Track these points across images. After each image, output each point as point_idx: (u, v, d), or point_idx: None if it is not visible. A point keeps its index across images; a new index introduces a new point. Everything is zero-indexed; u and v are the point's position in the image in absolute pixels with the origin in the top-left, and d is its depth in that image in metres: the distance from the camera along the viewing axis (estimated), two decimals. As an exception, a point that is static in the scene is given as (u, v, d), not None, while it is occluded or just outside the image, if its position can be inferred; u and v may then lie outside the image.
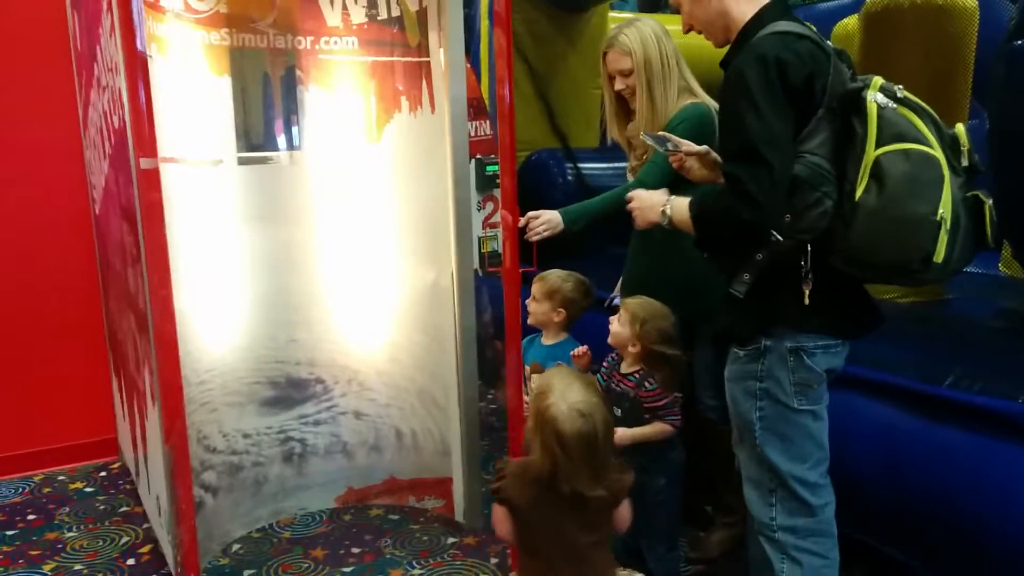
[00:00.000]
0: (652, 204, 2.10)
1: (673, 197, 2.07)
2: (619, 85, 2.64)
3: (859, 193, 1.79)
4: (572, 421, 1.81)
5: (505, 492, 1.91)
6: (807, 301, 1.89)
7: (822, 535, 2.02)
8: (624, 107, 2.72)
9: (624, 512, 1.97)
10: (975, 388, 2.25)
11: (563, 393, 1.86)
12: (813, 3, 6.36)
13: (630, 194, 2.19)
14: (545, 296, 2.79)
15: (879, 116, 1.80)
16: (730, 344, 2.05)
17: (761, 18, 1.94)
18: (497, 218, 3.16)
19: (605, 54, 2.68)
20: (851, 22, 4.25)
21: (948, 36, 2.96)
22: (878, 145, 1.79)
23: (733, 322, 2.02)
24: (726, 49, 2.04)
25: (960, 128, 1.87)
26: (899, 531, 2.41)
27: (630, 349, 2.47)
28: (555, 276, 2.82)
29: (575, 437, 1.81)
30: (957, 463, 2.23)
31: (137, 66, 2.14)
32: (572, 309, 2.78)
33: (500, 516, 1.94)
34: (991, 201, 1.84)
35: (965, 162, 1.85)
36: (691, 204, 1.98)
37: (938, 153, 1.80)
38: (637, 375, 2.45)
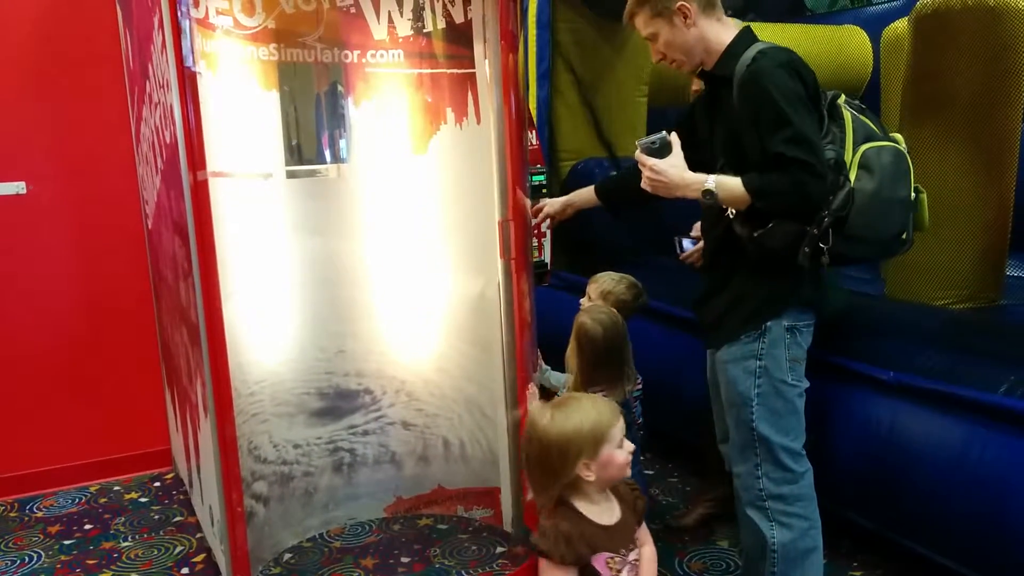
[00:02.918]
0: (686, 182, 2.16)
1: (713, 175, 2.13)
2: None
3: (852, 181, 2.09)
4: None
5: (576, 551, 1.85)
6: (811, 279, 2.21)
7: (805, 499, 2.24)
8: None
9: (644, 535, 2.00)
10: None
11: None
12: (862, 6, 6.27)
13: (651, 163, 2.19)
14: (599, 297, 2.84)
15: (852, 120, 2.16)
16: (736, 330, 2.24)
17: (743, 39, 2.20)
18: (544, 227, 3.20)
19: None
20: (901, 25, 4.18)
21: (1000, 39, 2.89)
22: (856, 144, 2.13)
23: (738, 309, 2.24)
24: None
25: (899, 136, 2.25)
26: (953, 542, 2.37)
27: None
28: (608, 278, 2.89)
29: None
30: (1012, 471, 2.19)
31: (186, 82, 2.18)
32: (624, 310, 2.79)
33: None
34: (926, 192, 2.26)
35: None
36: (748, 180, 2.07)
37: (902, 148, 2.20)
38: None
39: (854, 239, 2.11)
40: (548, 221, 2.98)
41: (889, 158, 2.14)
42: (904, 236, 2.23)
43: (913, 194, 2.21)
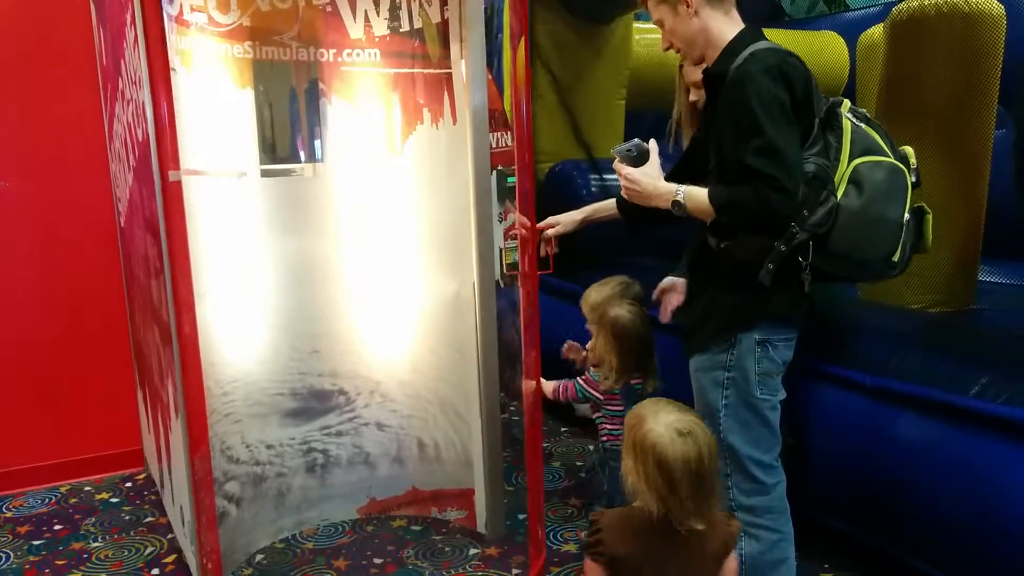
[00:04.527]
0: (659, 192, 2.16)
1: (684, 186, 2.11)
2: (693, 96, 2.64)
3: (839, 196, 2.03)
4: (673, 442, 1.70)
5: (605, 546, 1.75)
6: (803, 290, 2.11)
7: (776, 512, 2.20)
8: (697, 118, 2.70)
9: (733, 565, 1.83)
10: (1001, 398, 2.22)
11: (657, 416, 1.76)
12: (839, 12, 6.32)
13: (626, 171, 2.21)
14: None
15: (852, 131, 2.08)
16: (708, 340, 2.19)
17: (743, 38, 2.11)
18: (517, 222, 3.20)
19: (681, 66, 2.67)
20: (876, 31, 4.22)
21: (975, 45, 2.93)
22: (851, 157, 2.06)
23: (711, 319, 2.18)
24: None
25: (909, 149, 2.18)
26: (925, 542, 2.39)
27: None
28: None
29: (679, 460, 1.68)
30: (981, 473, 2.22)
31: (160, 79, 2.15)
32: None
33: (591, 570, 1.78)
34: (931, 213, 2.16)
35: (913, 178, 2.14)
36: (712, 194, 2.05)
37: (902, 166, 2.11)
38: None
39: (835, 257, 2.06)
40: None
41: (883, 175, 2.06)
42: (895, 259, 2.12)
43: (907, 215, 2.10)
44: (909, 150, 2.17)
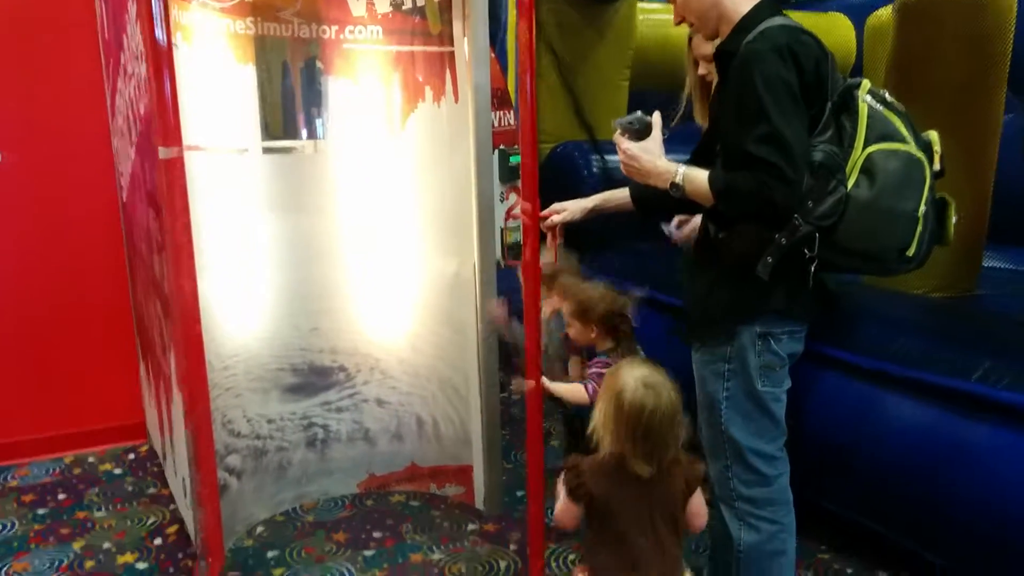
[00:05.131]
0: (658, 170, 2.06)
1: (684, 167, 2.03)
2: (703, 70, 2.55)
3: (850, 186, 1.92)
4: (635, 391, 1.84)
5: (585, 488, 1.90)
6: (807, 283, 2.00)
7: (777, 503, 2.16)
8: (708, 92, 2.64)
9: (698, 504, 1.97)
10: (1002, 383, 2.22)
11: (632, 369, 1.92)
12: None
13: (626, 146, 2.11)
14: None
15: (869, 116, 1.94)
16: (705, 332, 2.13)
17: (758, 13, 1.99)
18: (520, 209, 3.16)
19: (690, 39, 2.57)
20: (885, 13, 4.20)
21: (984, 29, 2.90)
22: (866, 144, 1.93)
23: (710, 311, 2.11)
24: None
25: (934, 135, 2.04)
26: (925, 526, 2.40)
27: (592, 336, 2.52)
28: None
29: (636, 405, 1.83)
30: (982, 458, 2.22)
31: (161, 54, 2.15)
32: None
33: (570, 510, 1.93)
34: (954, 204, 2.05)
35: (937, 166, 2.02)
36: (712, 178, 1.96)
37: (920, 155, 1.97)
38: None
39: (841, 250, 1.96)
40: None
41: (898, 165, 1.93)
42: (909, 253, 1.99)
43: (923, 207, 1.96)
44: (934, 136, 2.04)
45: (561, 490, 1.93)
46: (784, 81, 1.86)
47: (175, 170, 2.23)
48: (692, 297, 2.23)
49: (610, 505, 1.89)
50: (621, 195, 2.51)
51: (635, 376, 1.87)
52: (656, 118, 2.10)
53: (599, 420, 1.91)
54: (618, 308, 2.49)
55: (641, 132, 2.10)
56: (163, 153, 2.23)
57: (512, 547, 2.89)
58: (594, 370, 2.48)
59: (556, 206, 2.55)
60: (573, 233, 2.63)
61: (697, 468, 1.96)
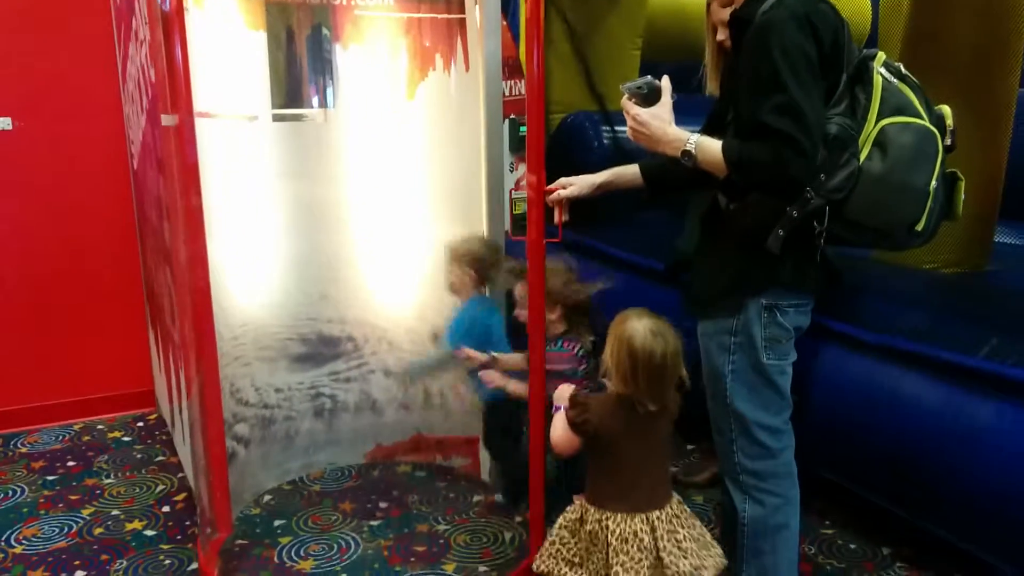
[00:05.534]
0: (668, 138, 1.98)
1: (696, 135, 1.97)
2: (721, 35, 2.49)
3: (862, 159, 1.89)
4: (644, 337, 1.97)
5: (590, 424, 2.04)
6: (815, 256, 2.01)
7: (782, 477, 2.16)
8: (725, 60, 2.58)
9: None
10: (1009, 360, 2.21)
11: (640, 318, 2.02)
12: (864, -36, 6.18)
13: (635, 111, 2.02)
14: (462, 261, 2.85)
15: (883, 88, 1.92)
16: (712, 304, 2.12)
17: None
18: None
19: (709, 4, 2.53)
20: (901, -15, 4.13)
21: (1000, 3, 2.85)
22: (880, 116, 1.90)
23: (717, 283, 2.10)
24: None
25: (947, 109, 2.02)
26: (929, 502, 2.40)
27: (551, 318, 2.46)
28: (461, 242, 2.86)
29: (646, 350, 1.97)
30: (989, 434, 2.20)
31: (171, 18, 2.14)
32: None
33: (571, 440, 2.08)
34: (963, 182, 2.04)
35: (948, 141, 1.99)
36: (726, 147, 1.90)
37: (934, 129, 1.94)
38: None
39: (851, 224, 1.94)
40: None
41: (911, 138, 1.89)
42: (918, 228, 1.96)
43: (935, 182, 1.93)
44: (947, 110, 2.01)
45: (560, 419, 2.09)
46: (803, 51, 1.83)
47: (185, 136, 2.22)
48: (699, 269, 2.20)
49: (613, 439, 2.05)
50: (631, 172, 2.40)
51: (643, 324, 2.00)
52: (666, 82, 2.03)
53: (609, 363, 2.03)
54: (576, 294, 2.48)
55: (650, 97, 2.02)
56: (170, 120, 2.22)
57: (517, 519, 2.90)
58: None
59: (563, 180, 2.39)
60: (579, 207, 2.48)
61: (677, 395, 2.11)
